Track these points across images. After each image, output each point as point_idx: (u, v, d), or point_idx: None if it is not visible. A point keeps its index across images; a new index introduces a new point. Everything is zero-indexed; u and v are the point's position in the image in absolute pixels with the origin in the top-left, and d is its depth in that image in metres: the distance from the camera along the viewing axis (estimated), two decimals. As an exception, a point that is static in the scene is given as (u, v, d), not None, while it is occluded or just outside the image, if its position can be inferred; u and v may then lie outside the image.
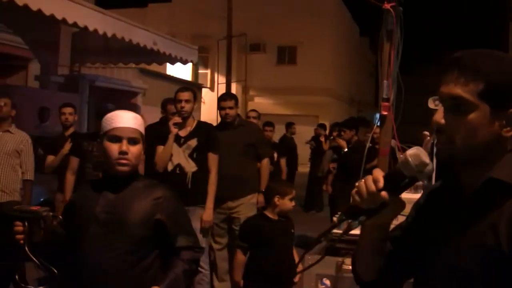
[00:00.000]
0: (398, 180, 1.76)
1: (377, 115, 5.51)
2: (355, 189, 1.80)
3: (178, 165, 5.96)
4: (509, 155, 1.71)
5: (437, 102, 5.25)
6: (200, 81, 27.89)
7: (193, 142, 6.03)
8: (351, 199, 1.80)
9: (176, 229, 3.21)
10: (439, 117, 1.72)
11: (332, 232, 4.36)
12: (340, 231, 4.29)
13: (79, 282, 3.09)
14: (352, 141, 9.74)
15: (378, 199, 1.75)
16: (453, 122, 1.69)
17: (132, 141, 3.06)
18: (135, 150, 3.06)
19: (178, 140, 6.00)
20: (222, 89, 23.71)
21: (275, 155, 9.57)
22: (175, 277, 3.08)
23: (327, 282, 3.76)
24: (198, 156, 6.03)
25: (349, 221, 1.84)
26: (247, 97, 31.60)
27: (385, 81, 3.81)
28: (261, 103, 28.56)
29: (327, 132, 16.11)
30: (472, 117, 1.66)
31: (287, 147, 13.93)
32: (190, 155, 5.99)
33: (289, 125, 15.65)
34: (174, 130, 5.96)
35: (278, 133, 12.88)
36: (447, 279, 1.72)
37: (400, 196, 1.81)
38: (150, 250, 3.13)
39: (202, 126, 6.29)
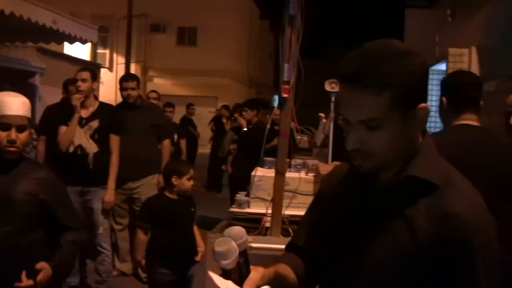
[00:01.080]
0: (231, 271, 1.72)
1: (276, 97, 5.67)
2: None
3: (79, 146, 5.91)
4: (423, 152, 1.73)
5: (333, 85, 5.34)
6: (98, 61, 27.31)
7: (95, 123, 5.98)
8: None
9: (59, 209, 3.36)
10: (352, 141, 1.68)
11: (233, 211, 4.48)
12: (243, 210, 4.41)
13: None
14: (253, 122, 9.89)
15: None
16: (369, 140, 1.65)
17: (20, 129, 3.16)
18: (23, 136, 3.18)
19: (79, 121, 5.94)
20: (121, 70, 23.45)
21: (175, 136, 9.62)
22: (62, 256, 3.24)
23: (230, 259, 3.87)
24: (100, 137, 6.01)
25: None
26: (146, 78, 31.24)
27: (286, 64, 3.91)
28: (161, 84, 28.36)
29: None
30: (387, 130, 1.64)
31: (187, 128, 14.01)
32: (92, 136, 5.96)
33: (188, 106, 15.70)
34: (77, 103, 5.88)
35: (178, 114, 12.90)
36: (359, 270, 1.73)
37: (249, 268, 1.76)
38: (37, 229, 3.26)
39: (105, 108, 6.25)
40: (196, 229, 5.14)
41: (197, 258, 4.99)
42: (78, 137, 5.91)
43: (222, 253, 1.69)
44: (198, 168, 14.38)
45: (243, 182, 9.67)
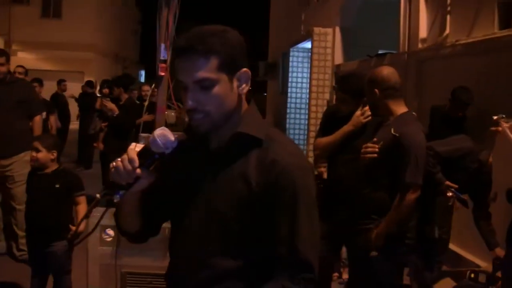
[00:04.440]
0: (149, 156, 2.00)
1: (142, 73, 5.80)
2: (113, 169, 2.00)
3: None
4: (249, 111, 2.11)
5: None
6: (-43, 34, 26.11)
7: None
8: (110, 176, 2.01)
9: None
10: (190, 100, 1.99)
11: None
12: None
13: None
14: (121, 98, 9.87)
15: (134, 175, 1.99)
16: (204, 99, 1.98)
17: None
18: None
19: None
20: (-18, 43, 22.49)
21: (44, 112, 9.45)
22: None
23: (111, 232, 3.98)
24: None
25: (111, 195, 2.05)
26: (10, 52, 29.94)
27: (162, 44, 4.05)
28: (25, 58, 27.38)
29: (95, 89, 16.05)
30: (218, 89, 1.98)
31: (59, 104, 13.79)
32: None
33: (60, 82, 15.43)
34: None
35: (45, 89, 12.65)
36: (206, 223, 2.06)
37: (151, 168, 2.05)
38: None
39: None
40: (81, 208, 5.04)
41: (69, 236, 4.93)
42: None
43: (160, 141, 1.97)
44: (68, 144, 14.20)
45: (114, 158, 9.71)
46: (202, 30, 2.00)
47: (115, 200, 2.03)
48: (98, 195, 2.00)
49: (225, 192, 2.02)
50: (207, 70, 1.95)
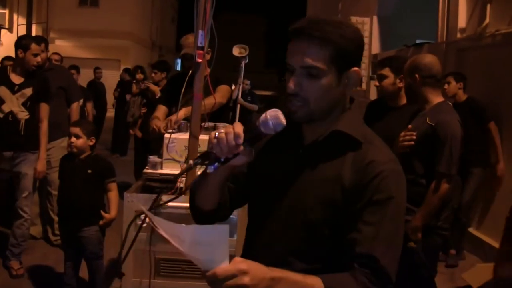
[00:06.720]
0: (254, 135, 1.89)
1: (179, 61, 5.79)
2: (215, 140, 1.87)
3: (11, 112, 5.85)
4: (350, 112, 2.03)
5: (242, 50, 5.45)
6: (-2, 22, 26.32)
7: (29, 91, 5.94)
8: (208, 146, 1.90)
9: None
10: (293, 84, 1.91)
11: (147, 172, 4.54)
12: (156, 171, 4.46)
13: None
14: (161, 84, 9.79)
15: (236, 151, 1.87)
16: (307, 87, 1.91)
17: None
18: None
19: (11, 87, 5.88)
20: (21, 31, 22.69)
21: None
22: None
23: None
24: (31, 105, 5.97)
25: (204, 165, 1.94)
26: (48, 40, 30.11)
27: (200, 31, 4.01)
28: (63, 46, 27.58)
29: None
30: (324, 81, 1.90)
31: (96, 91, 13.85)
32: (24, 104, 5.91)
33: (95, 70, 15.52)
34: None
35: (82, 76, 12.71)
36: (288, 222, 1.98)
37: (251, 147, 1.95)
38: None
39: (37, 74, 6.13)
40: (112, 195, 5.09)
41: (101, 222, 5.00)
42: (10, 104, 5.85)
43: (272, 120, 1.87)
44: (103, 131, 14.30)
45: (156, 144, 9.63)
46: (320, 18, 1.92)
47: (208, 171, 1.94)
48: (191, 161, 1.92)
49: (315, 194, 1.94)
50: (318, 58, 1.88)
